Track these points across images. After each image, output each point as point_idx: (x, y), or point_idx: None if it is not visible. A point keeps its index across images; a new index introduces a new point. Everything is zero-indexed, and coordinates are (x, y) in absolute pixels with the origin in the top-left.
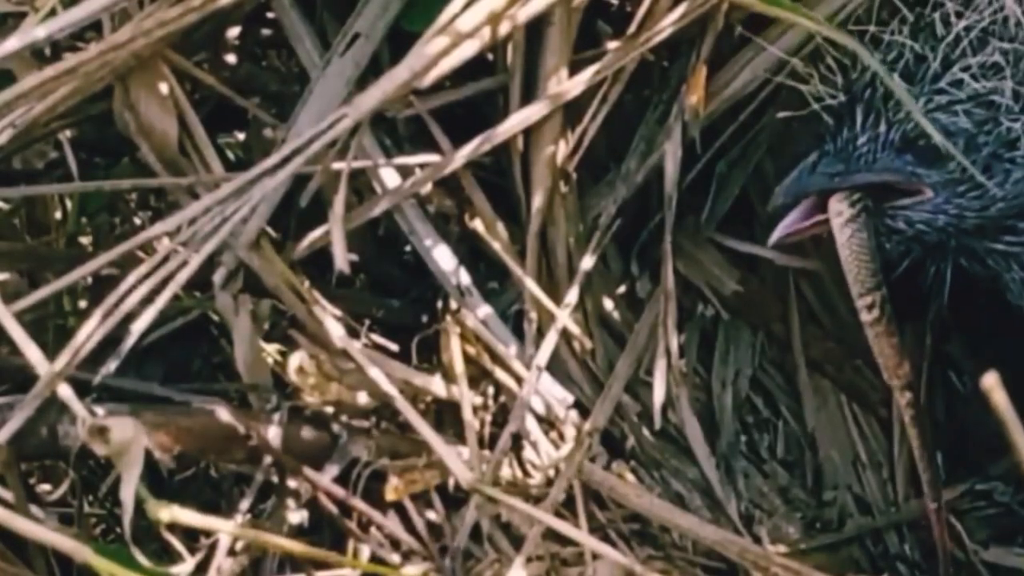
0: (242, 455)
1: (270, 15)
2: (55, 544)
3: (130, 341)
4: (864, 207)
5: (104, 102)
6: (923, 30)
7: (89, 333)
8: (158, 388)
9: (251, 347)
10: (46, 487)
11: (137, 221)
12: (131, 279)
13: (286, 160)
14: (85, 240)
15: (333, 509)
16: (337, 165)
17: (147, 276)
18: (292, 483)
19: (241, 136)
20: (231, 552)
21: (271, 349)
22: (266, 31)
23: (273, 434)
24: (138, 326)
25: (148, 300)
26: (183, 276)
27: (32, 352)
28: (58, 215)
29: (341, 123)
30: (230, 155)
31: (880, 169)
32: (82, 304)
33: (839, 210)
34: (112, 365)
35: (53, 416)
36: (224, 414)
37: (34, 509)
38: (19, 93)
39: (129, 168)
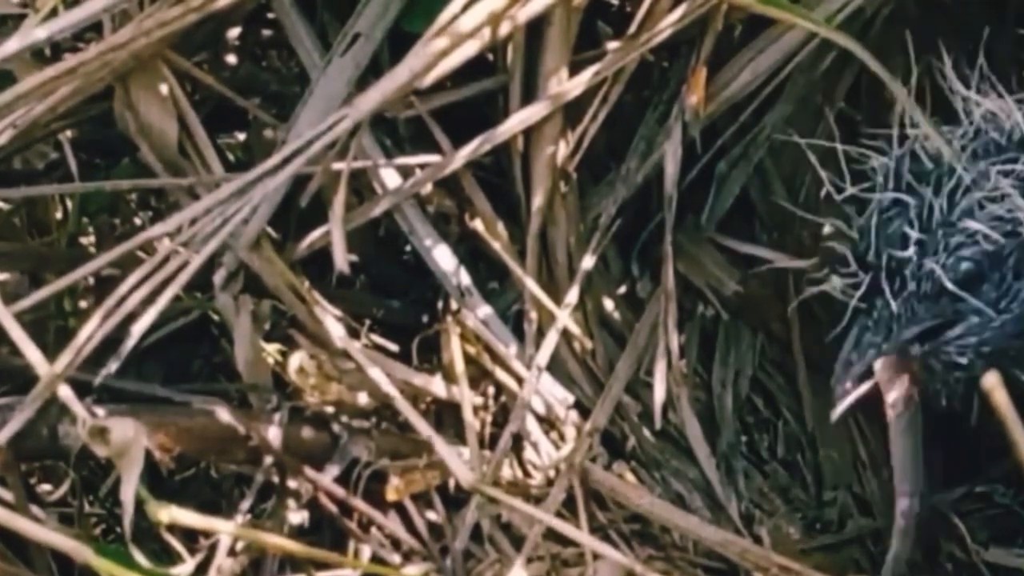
0: (242, 456)
1: (270, 15)
2: (55, 544)
3: (131, 342)
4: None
5: (104, 102)
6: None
7: (90, 334)
8: (158, 389)
9: (251, 348)
10: (47, 487)
11: (137, 222)
12: (132, 280)
13: (286, 161)
14: (86, 240)
15: (333, 509)
16: (337, 165)
17: (148, 277)
18: (292, 483)
19: (242, 136)
20: (231, 552)
21: (271, 349)
22: (266, 31)
23: (273, 434)
24: (139, 327)
25: (149, 301)
26: (184, 277)
27: (32, 353)
28: (59, 215)
29: (341, 124)
30: (230, 156)
31: (922, 319)
32: (83, 304)
33: (892, 400)
34: (113, 366)
35: (53, 417)
36: (224, 414)
37: (35, 509)
38: (19, 94)
39: (129, 168)
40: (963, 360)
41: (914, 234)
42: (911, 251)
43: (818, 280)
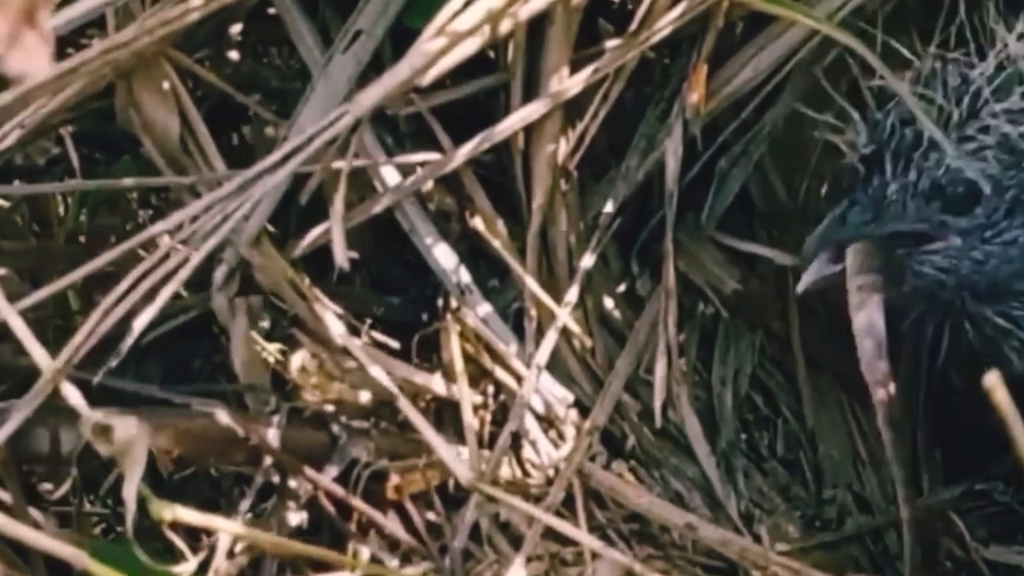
0: (242, 457)
1: (272, 11)
2: (52, 550)
3: (131, 339)
4: (881, 275)
5: (105, 98)
6: (944, 80)
7: (90, 330)
8: (157, 390)
9: (248, 350)
10: (47, 486)
11: (140, 218)
12: (131, 277)
13: (287, 158)
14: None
15: (332, 510)
16: (337, 163)
17: (147, 274)
18: (292, 484)
19: (245, 130)
20: (230, 555)
21: (272, 348)
22: (268, 27)
23: (272, 435)
24: (138, 324)
25: (148, 298)
26: (184, 274)
27: (35, 349)
28: (60, 210)
29: (342, 120)
30: (232, 152)
31: (910, 218)
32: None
33: (857, 283)
34: (113, 362)
35: (52, 421)
36: (223, 416)
37: (34, 510)
38: (24, 92)
39: (130, 164)
40: (937, 277)
41: (927, 132)
42: (916, 141)
43: (838, 129)
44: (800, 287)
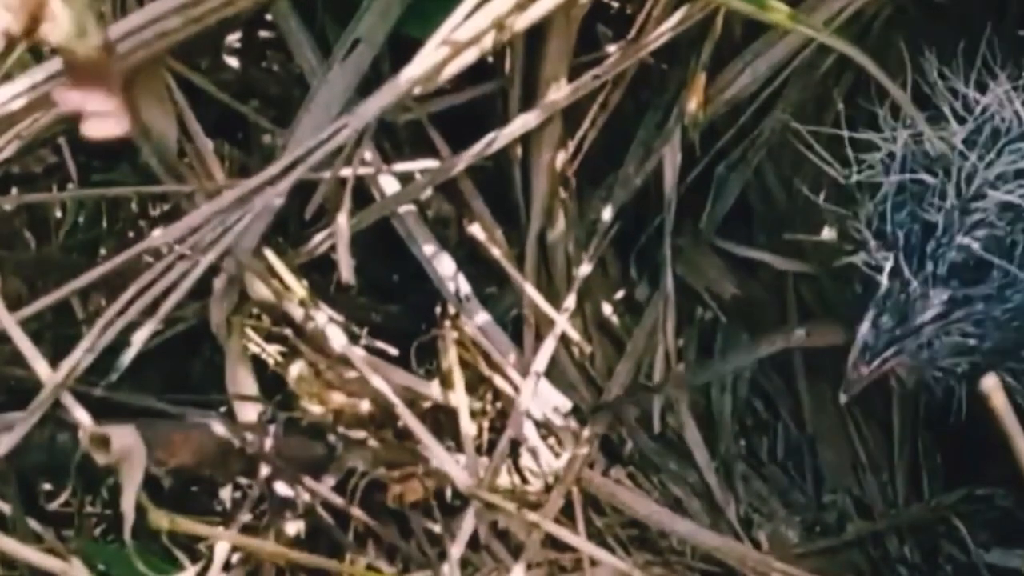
0: (238, 468)
1: (270, 17)
2: (45, 566)
3: (131, 352)
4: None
5: None
6: (927, 155)
7: (90, 344)
8: (153, 401)
9: (243, 370)
10: (47, 486)
11: (138, 226)
12: (132, 289)
13: (288, 169)
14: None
15: (330, 520)
16: (339, 174)
17: (149, 286)
18: (289, 494)
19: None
20: (226, 567)
21: (272, 350)
22: (267, 34)
23: (269, 445)
24: (139, 336)
25: (149, 310)
26: (185, 286)
27: (37, 361)
28: (59, 214)
29: (342, 132)
30: (230, 159)
31: (935, 304)
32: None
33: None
34: (113, 377)
35: (49, 430)
36: (219, 427)
37: (33, 518)
38: (23, 104)
39: (128, 171)
40: (967, 342)
41: (927, 217)
42: (925, 233)
43: (845, 252)
44: (843, 399)
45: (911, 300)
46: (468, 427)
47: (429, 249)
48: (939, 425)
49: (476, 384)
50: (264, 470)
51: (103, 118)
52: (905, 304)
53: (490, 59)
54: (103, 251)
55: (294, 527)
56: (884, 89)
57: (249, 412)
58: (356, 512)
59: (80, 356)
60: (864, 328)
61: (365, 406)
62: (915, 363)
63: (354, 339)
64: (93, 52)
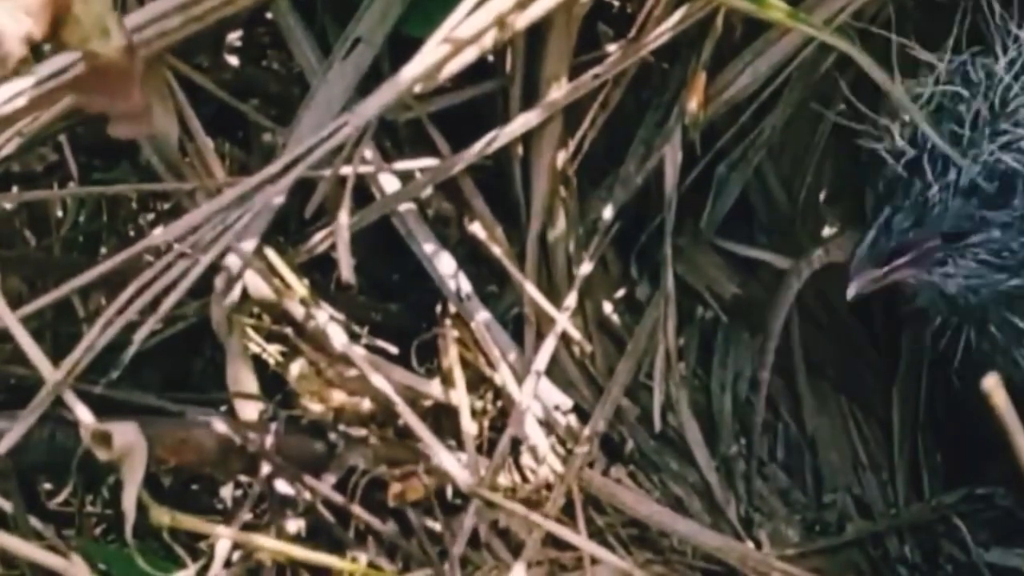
0: (239, 466)
1: (270, 15)
2: (46, 564)
3: (132, 351)
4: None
5: None
6: (967, 76)
7: (91, 342)
8: (152, 399)
9: (244, 368)
10: (48, 485)
11: (139, 223)
12: (133, 287)
13: (289, 168)
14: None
15: (331, 518)
16: (339, 172)
17: (149, 284)
18: (290, 492)
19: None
20: (227, 564)
21: (272, 349)
22: (266, 31)
23: (270, 444)
24: (139, 335)
25: (150, 308)
26: (185, 285)
27: (39, 359)
28: (60, 212)
29: (342, 131)
30: (230, 158)
31: (951, 218)
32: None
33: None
34: (114, 375)
35: (48, 429)
36: (220, 426)
37: (34, 515)
38: (24, 104)
39: (128, 170)
40: (981, 272)
41: (960, 131)
42: (952, 142)
43: (875, 136)
44: (850, 294)
45: (929, 205)
46: (469, 426)
47: (430, 248)
48: (940, 423)
49: (477, 383)
50: (265, 468)
51: (128, 119)
52: (923, 208)
53: (490, 58)
54: (103, 249)
55: (295, 525)
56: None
57: (250, 410)
58: (357, 510)
59: (81, 354)
60: (879, 222)
61: (366, 404)
62: (926, 277)
63: (355, 338)
64: (116, 53)
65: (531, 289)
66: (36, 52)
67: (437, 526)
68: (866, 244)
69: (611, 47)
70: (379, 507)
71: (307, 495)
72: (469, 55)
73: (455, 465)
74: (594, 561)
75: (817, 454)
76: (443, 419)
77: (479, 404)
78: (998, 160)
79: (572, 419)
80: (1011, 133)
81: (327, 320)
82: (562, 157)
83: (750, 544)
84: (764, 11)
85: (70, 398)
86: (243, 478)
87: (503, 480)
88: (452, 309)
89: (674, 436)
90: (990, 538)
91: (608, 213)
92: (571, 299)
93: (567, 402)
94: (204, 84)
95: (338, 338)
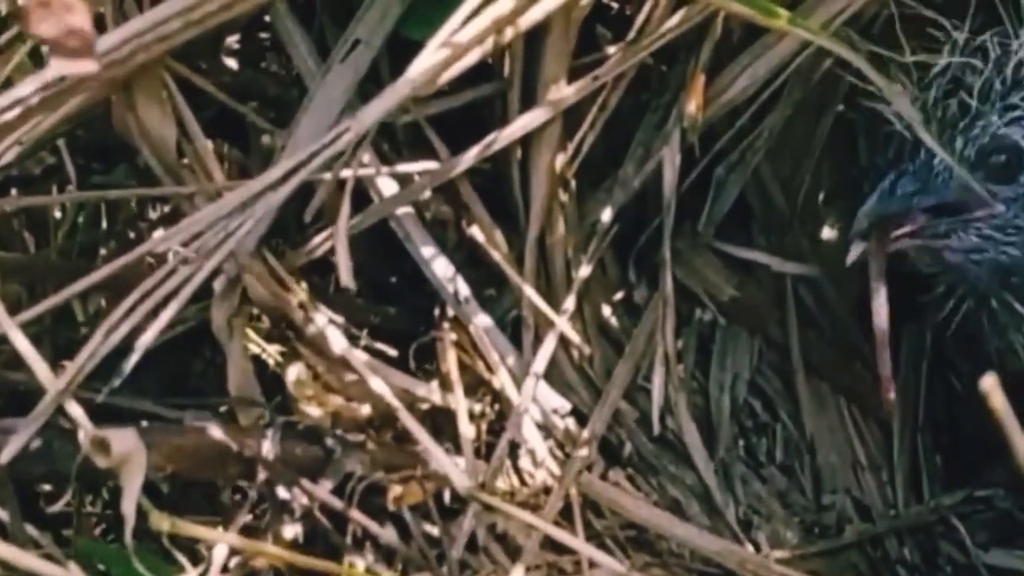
0: (236, 472)
1: (269, 19)
2: (43, 572)
3: (133, 359)
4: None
5: (102, 107)
6: (984, 50)
7: (93, 350)
8: (150, 405)
9: (244, 371)
10: (47, 487)
11: (139, 226)
12: (135, 294)
13: (289, 174)
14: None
15: (327, 524)
16: (340, 176)
17: (151, 292)
18: (287, 497)
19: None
20: (225, 569)
21: (272, 350)
22: (265, 34)
23: (267, 449)
24: (141, 343)
25: (151, 314)
26: (187, 292)
27: (41, 370)
28: (58, 214)
29: (343, 137)
30: (229, 160)
31: (956, 187)
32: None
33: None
34: (116, 382)
35: (48, 435)
36: (217, 431)
37: (33, 521)
38: (24, 110)
39: (126, 173)
40: (983, 246)
41: (971, 102)
42: (963, 113)
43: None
44: (849, 259)
45: (934, 172)
46: (467, 429)
47: (428, 251)
48: (939, 425)
49: (475, 386)
50: (263, 473)
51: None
52: (928, 174)
53: (489, 60)
54: (103, 252)
55: (293, 530)
56: None
57: (248, 415)
58: (355, 514)
59: (83, 362)
60: (884, 184)
61: (363, 409)
62: (929, 245)
63: (353, 341)
64: None
65: (530, 292)
66: (36, 57)
67: (435, 530)
68: (869, 206)
69: (610, 49)
70: (377, 511)
71: (305, 500)
72: (469, 59)
73: (453, 469)
74: (592, 564)
75: (816, 456)
76: (441, 422)
77: (477, 407)
78: (1006, 134)
79: (570, 422)
80: (1021, 108)
81: (326, 323)
82: (561, 160)
83: (749, 547)
84: (762, 15)
85: (73, 409)
86: (241, 483)
87: (501, 484)
88: (450, 312)
89: (672, 439)
90: (989, 539)
91: (607, 215)
92: (570, 302)
93: (565, 405)
94: (203, 87)
95: (337, 341)
